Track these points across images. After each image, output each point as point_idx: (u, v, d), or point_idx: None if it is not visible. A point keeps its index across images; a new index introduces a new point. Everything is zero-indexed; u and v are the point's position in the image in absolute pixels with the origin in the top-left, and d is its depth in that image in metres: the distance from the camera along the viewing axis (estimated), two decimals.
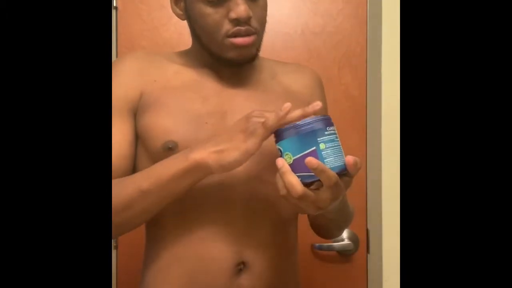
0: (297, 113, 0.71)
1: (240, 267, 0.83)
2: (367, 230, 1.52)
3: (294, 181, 0.67)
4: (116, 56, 1.48)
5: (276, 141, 0.71)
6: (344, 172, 0.69)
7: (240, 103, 0.86)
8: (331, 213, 0.81)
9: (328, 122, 0.70)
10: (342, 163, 0.69)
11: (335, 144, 0.69)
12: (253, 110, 0.75)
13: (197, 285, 0.83)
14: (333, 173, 0.67)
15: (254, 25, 0.83)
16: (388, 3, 1.47)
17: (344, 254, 1.50)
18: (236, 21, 0.81)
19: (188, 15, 0.87)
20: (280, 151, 0.70)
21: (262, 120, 0.72)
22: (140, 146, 0.87)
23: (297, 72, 0.98)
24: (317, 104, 0.72)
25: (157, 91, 0.86)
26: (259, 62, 0.93)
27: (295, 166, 0.68)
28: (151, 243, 0.89)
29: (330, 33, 1.52)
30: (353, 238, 1.50)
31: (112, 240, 1.46)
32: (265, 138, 0.72)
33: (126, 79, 0.86)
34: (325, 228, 0.97)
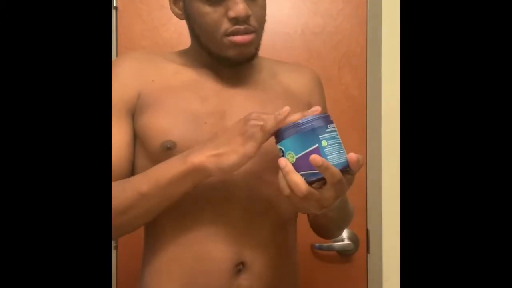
0: (296, 116, 0.71)
1: (240, 267, 0.83)
2: (367, 230, 1.52)
3: (298, 180, 0.67)
4: (116, 56, 1.48)
5: (277, 142, 0.71)
6: (346, 169, 0.69)
7: (239, 102, 0.86)
8: (332, 212, 0.80)
9: (328, 119, 0.70)
10: (345, 160, 0.69)
11: (337, 141, 0.69)
12: (251, 112, 0.75)
13: (196, 285, 0.83)
14: (337, 170, 0.67)
15: (253, 24, 0.83)
16: (388, 3, 1.47)
17: (344, 254, 1.50)
18: (235, 20, 0.81)
19: (187, 14, 0.87)
20: (282, 151, 0.70)
21: (261, 123, 0.72)
22: (138, 146, 0.86)
23: (296, 71, 0.98)
24: (317, 109, 0.72)
25: (156, 91, 0.86)
26: (258, 62, 0.93)
27: (298, 165, 0.68)
28: (150, 243, 0.88)
29: (330, 33, 1.52)
30: (353, 238, 1.50)
31: (112, 240, 1.46)
32: (264, 141, 0.72)
33: (124, 80, 0.86)
34: (325, 228, 0.97)
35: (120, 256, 1.47)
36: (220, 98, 0.87)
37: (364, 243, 1.51)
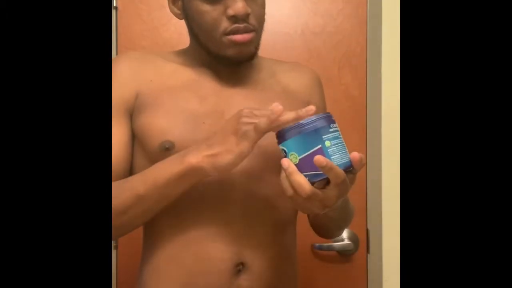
0: (290, 115, 0.70)
1: (239, 267, 0.83)
2: (367, 230, 1.52)
3: (302, 180, 0.67)
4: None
5: (279, 142, 0.71)
6: (349, 169, 0.69)
7: (238, 102, 0.86)
8: (333, 212, 0.80)
9: (330, 119, 0.70)
10: (348, 160, 0.68)
11: (339, 141, 0.69)
12: (242, 109, 0.74)
13: (195, 285, 0.83)
14: (341, 171, 0.66)
15: (252, 23, 0.83)
16: (388, 3, 1.47)
17: (344, 254, 1.50)
18: (234, 18, 0.81)
19: (186, 13, 0.87)
20: (285, 151, 0.70)
21: (253, 120, 0.72)
22: (137, 146, 0.86)
23: (296, 71, 0.97)
24: (311, 109, 0.71)
25: (154, 91, 0.86)
26: (257, 61, 0.93)
27: (301, 166, 0.68)
28: (149, 243, 0.88)
29: (330, 33, 1.52)
30: (353, 238, 1.50)
31: (112, 241, 1.46)
32: (257, 140, 0.72)
33: (122, 79, 0.86)
34: (326, 227, 0.97)
35: (120, 256, 1.47)
36: (219, 97, 0.87)
37: (364, 243, 1.51)
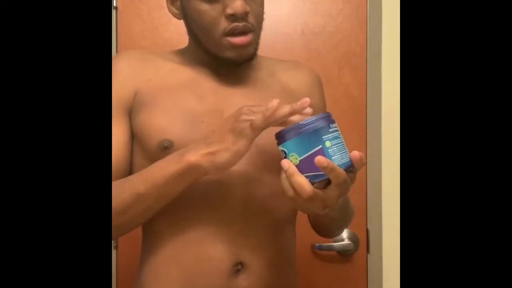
0: (285, 110, 0.70)
1: (238, 267, 0.83)
2: (367, 230, 1.52)
3: (303, 181, 0.66)
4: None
5: (279, 143, 0.70)
6: (350, 169, 0.69)
7: (237, 101, 0.85)
8: (333, 211, 0.80)
9: (330, 119, 0.69)
10: (348, 160, 0.68)
11: (340, 141, 0.69)
12: (242, 107, 0.74)
13: (194, 285, 0.82)
14: (342, 171, 0.66)
15: (251, 21, 0.83)
16: (388, 3, 1.47)
17: (344, 254, 1.50)
18: (233, 17, 0.81)
19: (185, 13, 0.87)
20: (285, 152, 0.69)
21: (250, 118, 0.71)
22: (136, 145, 0.86)
23: (295, 69, 0.97)
24: (306, 101, 0.70)
25: (152, 90, 0.86)
26: (257, 60, 0.92)
27: (302, 167, 0.67)
28: (148, 243, 0.88)
29: (330, 33, 1.52)
30: (353, 238, 1.50)
31: (112, 240, 1.46)
32: (254, 138, 0.72)
33: (121, 78, 0.86)
34: (326, 227, 0.97)
35: (120, 256, 1.47)
36: (218, 96, 0.87)
37: (364, 243, 1.51)
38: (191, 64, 0.90)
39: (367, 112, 1.52)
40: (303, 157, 0.68)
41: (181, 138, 0.81)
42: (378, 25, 1.48)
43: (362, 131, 1.52)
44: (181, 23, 0.91)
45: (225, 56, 0.84)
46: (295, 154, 0.68)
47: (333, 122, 0.70)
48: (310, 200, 0.67)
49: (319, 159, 0.65)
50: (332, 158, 0.67)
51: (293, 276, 0.92)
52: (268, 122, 0.70)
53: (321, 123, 0.68)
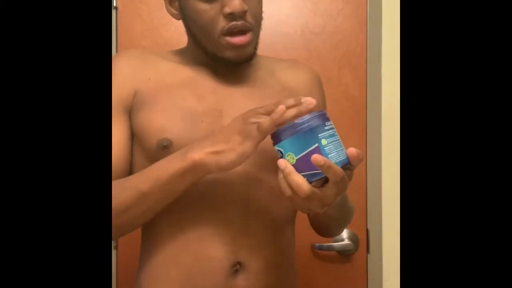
0: (291, 112, 0.70)
1: (237, 267, 0.83)
2: (367, 230, 1.52)
3: (300, 181, 0.66)
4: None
5: (275, 143, 0.71)
6: (347, 166, 0.68)
7: (236, 100, 0.86)
8: (333, 210, 0.80)
9: (325, 117, 0.69)
10: (345, 157, 0.68)
11: (336, 139, 0.69)
12: (250, 110, 0.75)
13: (193, 285, 0.82)
14: (339, 169, 0.66)
15: (249, 20, 0.82)
16: (388, 3, 1.47)
17: (344, 254, 1.50)
18: (231, 16, 0.81)
19: (183, 14, 0.87)
20: (281, 152, 0.69)
21: (258, 120, 0.72)
22: (135, 144, 0.86)
23: (295, 68, 0.97)
24: (311, 102, 0.71)
25: (152, 89, 0.86)
26: (256, 59, 0.92)
27: (299, 166, 0.67)
28: (147, 243, 0.88)
29: (330, 33, 1.52)
30: (353, 238, 1.50)
31: (112, 241, 1.46)
32: (261, 140, 0.72)
33: (120, 78, 0.86)
34: (326, 226, 0.97)
35: (120, 256, 1.47)
36: (217, 96, 0.86)
37: (364, 243, 1.51)
38: (191, 63, 0.90)
39: (367, 112, 1.52)
40: (299, 156, 0.68)
41: (180, 138, 0.81)
42: (378, 25, 1.48)
43: (362, 131, 1.52)
44: (181, 23, 0.91)
45: (224, 56, 0.84)
46: (291, 154, 0.68)
47: (328, 120, 0.69)
48: (308, 199, 0.67)
49: (316, 157, 0.65)
50: (329, 156, 0.67)
51: (292, 276, 0.92)
52: (275, 125, 0.70)
53: (316, 122, 0.68)
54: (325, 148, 0.67)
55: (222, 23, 0.81)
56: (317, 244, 1.47)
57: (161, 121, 0.82)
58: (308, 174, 0.67)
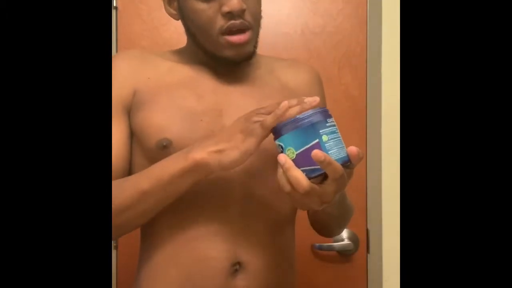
0: (294, 110, 0.70)
1: (236, 267, 0.83)
2: (367, 230, 1.52)
3: (299, 176, 0.66)
4: None
5: (276, 138, 0.70)
6: (347, 164, 0.68)
7: (236, 100, 0.86)
8: (331, 208, 0.80)
9: (327, 113, 0.69)
10: (345, 155, 0.68)
11: (336, 136, 0.68)
12: (251, 111, 0.75)
13: (192, 286, 0.82)
14: (339, 165, 0.66)
15: (248, 19, 0.82)
16: (388, 3, 1.47)
17: (344, 254, 1.50)
18: (230, 15, 0.81)
19: (182, 13, 0.87)
20: (281, 147, 0.69)
21: (261, 119, 0.72)
22: (135, 144, 0.86)
23: (294, 67, 0.97)
24: (314, 100, 0.71)
25: (151, 89, 0.86)
26: (256, 59, 0.92)
27: (298, 161, 0.67)
28: (146, 242, 0.88)
29: (330, 33, 1.52)
30: (353, 238, 1.50)
31: (113, 240, 1.46)
32: (264, 137, 0.72)
33: (119, 78, 0.86)
34: (326, 224, 0.96)
35: (120, 256, 1.47)
36: (216, 95, 0.86)
37: (364, 243, 1.51)
38: (190, 63, 0.90)
39: (367, 112, 1.52)
40: (299, 151, 0.67)
41: (180, 137, 0.81)
42: (378, 25, 1.48)
43: (362, 131, 1.52)
44: (180, 23, 0.91)
45: (223, 55, 0.84)
46: (291, 148, 0.68)
47: (330, 116, 0.69)
48: (307, 195, 0.67)
49: (316, 152, 0.64)
50: (329, 152, 0.67)
51: (292, 276, 0.92)
52: (278, 122, 0.70)
53: (318, 117, 0.68)
54: (326, 145, 0.67)
55: (220, 22, 0.81)
56: (317, 244, 1.47)
57: (161, 121, 0.82)
58: (307, 169, 0.67)
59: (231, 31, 0.82)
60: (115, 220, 0.75)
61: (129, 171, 0.86)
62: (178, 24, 0.91)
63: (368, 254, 1.52)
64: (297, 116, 0.68)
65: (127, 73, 0.87)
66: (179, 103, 0.84)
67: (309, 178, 0.67)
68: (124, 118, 0.86)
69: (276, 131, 0.70)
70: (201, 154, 0.73)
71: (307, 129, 0.67)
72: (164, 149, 0.80)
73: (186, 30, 0.89)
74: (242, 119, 0.74)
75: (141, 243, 0.90)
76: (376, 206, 1.49)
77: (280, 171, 0.68)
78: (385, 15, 1.47)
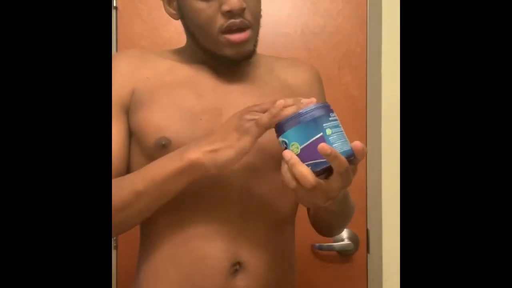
0: (290, 110, 0.69)
1: (236, 267, 0.83)
2: (367, 230, 1.52)
3: (305, 171, 0.66)
4: None
5: (279, 134, 0.70)
6: (351, 158, 0.68)
7: (236, 99, 0.85)
8: (334, 205, 0.80)
9: (329, 108, 0.69)
10: (349, 148, 0.68)
11: (339, 130, 0.68)
12: (245, 108, 0.74)
13: (192, 285, 0.82)
14: (344, 159, 0.65)
15: (248, 18, 0.82)
16: (388, 3, 1.47)
17: (344, 254, 1.50)
18: (229, 14, 0.81)
19: (182, 13, 0.87)
20: (285, 143, 0.69)
21: (256, 117, 0.71)
22: (133, 143, 0.86)
23: (294, 66, 0.97)
24: (311, 101, 0.70)
25: (150, 88, 0.85)
26: (255, 58, 0.92)
27: (303, 155, 0.67)
28: (146, 242, 0.88)
29: (330, 33, 1.52)
30: (353, 238, 1.50)
31: (112, 240, 1.46)
32: (259, 136, 0.72)
33: (117, 77, 0.86)
34: (327, 223, 0.95)
35: (120, 256, 1.47)
36: (216, 94, 0.86)
37: (364, 243, 1.51)
38: (190, 62, 0.90)
39: (367, 112, 1.52)
40: (304, 145, 0.67)
41: (179, 136, 0.81)
42: (378, 25, 1.48)
43: (362, 131, 1.52)
44: (181, 23, 0.91)
45: (223, 53, 0.84)
46: (296, 143, 0.67)
47: (332, 111, 0.69)
48: (313, 190, 0.66)
49: (323, 146, 0.64)
50: (333, 145, 0.66)
51: (292, 276, 0.92)
52: (274, 121, 0.70)
53: (320, 111, 0.68)
54: (330, 138, 0.67)
55: (220, 21, 0.81)
56: (317, 244, 1.47)
57: (160, 120, 0.82)
58: (312, 163, 0.66)
59: (231, 30, 0.82)
60: (113, 219, 0.75)
61: (128, 170, 0.86)
62: (178, 24, 0.91)
63: (368, 254, 1.52)
64: (299, 111, 0.68)
65: (125, 73, 0.87)
66: (178, 102, 0.84)
67: (314, 172, 0.66)
68: (123, 118, 0.85)
69: (279, 128, 0.70)
70: (196, 154, 0.73)
71: (311, 123, 0.67)
72: (163, 148, 0.80)
73: (186, 29, 0.89)
74: (236, 117, 0.74)
75: (140, 243, 0.90)
76: (376, 206, 1.49)
77: (284, 167, 0.68)
78: (385, 15, 1.47)
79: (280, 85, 0.91)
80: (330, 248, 1.48)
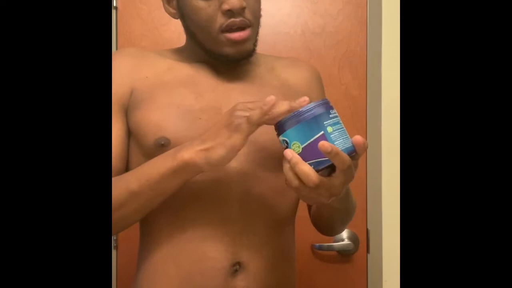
0: (283, 107, 0.69)
1: (236, 267, 0.83)
2: (367, 230, 1.52)
3: (307, 170, 0.66)
4: None
5: (280, 133, 0.70)
6: (352, 154, 0.68)
7: (236, 98, 0.85)
8: (336, 201, 0.79)
9: (329, 105, 0.69)
10: (350, 145, 0.67)
11: (340, 127, 0.68)
12: (237, 103, 0.73)
13: (192, 286, 0.82)
14: (346, 156, 0.65)
15: (248, 17, 0.82)
16: (388, 3, 1.47)
17: (344, 254, 1.50)
18: (230, 13, 0.80)
19: (181, 12, 0.86)
20: (286, 142, 0.68)
21: (246, 114, 0.71)
22: (132, 142, 0.86)
23: (294, 66, 0.97)
24: (304, 100, 0.69)
25: (149, 87, 0.85)
26: (255, 57, 0.92)
27: (305, 154, 0.67)
28: (145, 242, 0.88)
29: (330, 33, 1.52)
30: (353, 238, 1.50)
31: (112, 240, 1.46)
32: (250, 133, 0.71)
33: (117, 76, 0.85)
34: (329, 221, 0.94)
35: (120, 256, 1.47)
36: (216, 93, 0.86)
37: (364, 243, 1.51)
38: (189, 61, 0.90)
39: (367, 112, 1.52)
40: (305, 144, 0.67)
41: (178, 136, 0.80)
42: (378, 25, 1.48)
43: (362, 131, 1.52)
44: (180, 23, 0.90)
45: (223, 52, 0.84)
46: (297, 142, 0.67)
47: (332, 108, 0.69)
48: (316, 188, 0.66)
49: (323, 144, 0.64)
50: (335, 143, 0.66)
51: (292, 276, 0.92)
52: (265, 118, 0.69)
53: (321, 109, 0.67)
54: (331, 136, 0.67)
55: (220, 20, 0.81)
56: (317, 244, 1.47)
57: (159, 120, 0.82)
58: (314, 162, 0.66)
59: (231, 29, 0.82)
60: None
61: (127, 170, 0.86)
62: (178, 24, 0.91)
63: (368, 254, 1.52)
64: (299, 110, 0.68)
65: (124, 72, 0.86)
66: (177, 101, 0.84)
67: (317, 171, 0.66)
68: (121, 117, 0.85)
69: (279, 127, 0.69)
70: (189, 153, 0.73)
71: (311, 121, 0.67)
72: (163, 148, 0.80)
73: (185, 28, 0.89)
74: (227, 114, 0.73)
75: (140, 243, 0.90)
76: (376, 206, 1.49)
77: (286, 166, 0.67)
78: (385, 15, 1.47)
79: (280, 84, 0.91)
80: (330, 248, 1.48)
